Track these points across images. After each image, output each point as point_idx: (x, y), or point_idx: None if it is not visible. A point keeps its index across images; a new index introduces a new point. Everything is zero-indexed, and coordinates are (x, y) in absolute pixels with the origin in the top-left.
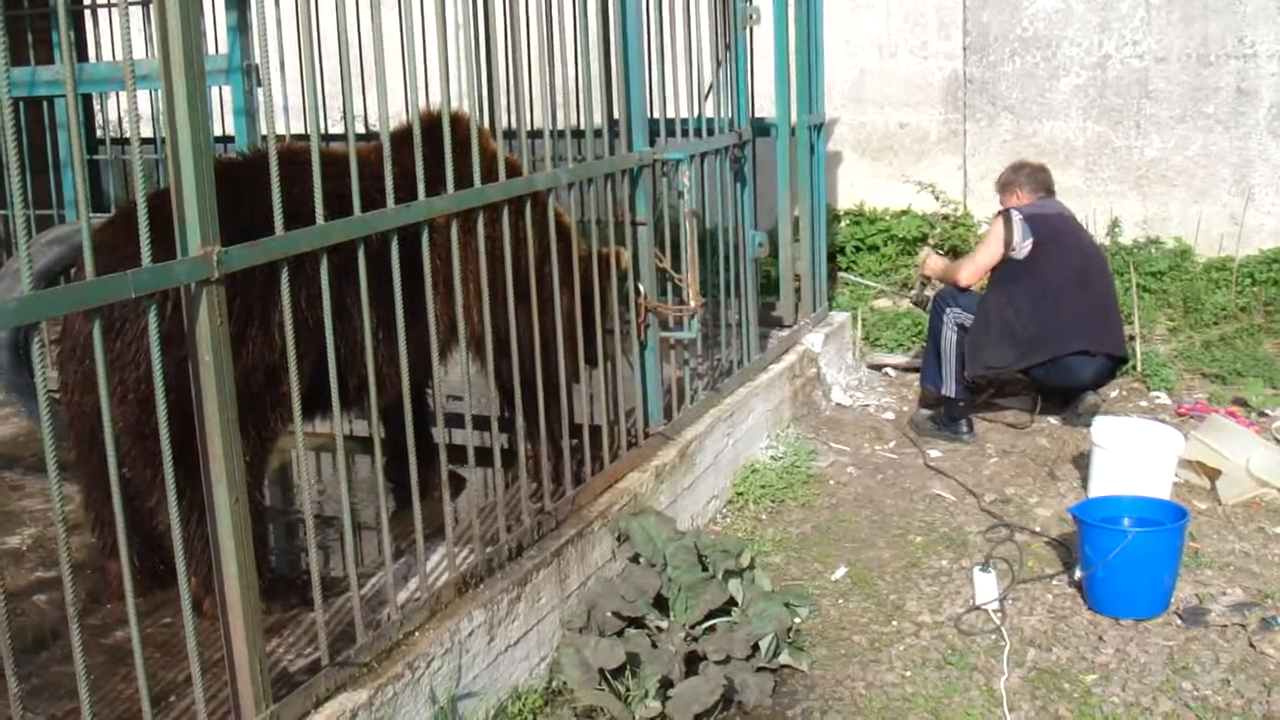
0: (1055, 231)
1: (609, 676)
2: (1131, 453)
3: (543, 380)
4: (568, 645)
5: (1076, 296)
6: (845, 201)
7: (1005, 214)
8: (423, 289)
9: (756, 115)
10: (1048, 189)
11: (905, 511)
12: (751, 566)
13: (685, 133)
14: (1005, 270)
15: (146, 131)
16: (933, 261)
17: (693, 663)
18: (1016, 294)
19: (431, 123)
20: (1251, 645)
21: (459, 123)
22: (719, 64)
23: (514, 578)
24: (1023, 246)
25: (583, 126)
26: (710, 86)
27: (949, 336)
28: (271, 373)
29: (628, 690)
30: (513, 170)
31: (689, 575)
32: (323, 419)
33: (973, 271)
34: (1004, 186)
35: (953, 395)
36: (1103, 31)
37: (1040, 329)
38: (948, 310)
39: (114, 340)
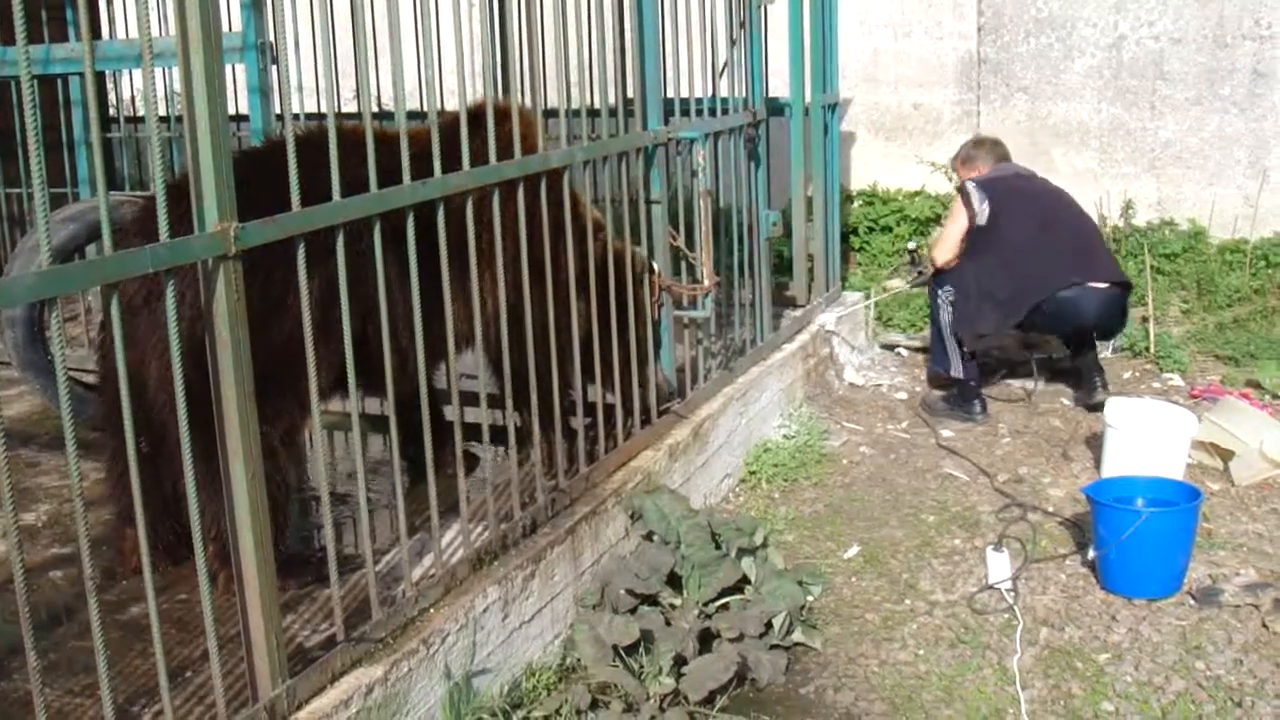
0: (1010, 189)
1: (623, 653)
2: (1145, 433)
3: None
4: (582, 622)
5: (1041, 241)
6: (859, 182)
7: (961, 187)
8: (437, 270)
9: (771, 95)
10: (1005, 158)
11: (918, 491)
12: (764, 545)
13: (700, 112)
14: (974, 240)
15: (160, 110)
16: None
17: (706, 640)
18: (986, 258)
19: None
20: (1264, 625)
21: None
22: (734, 43)
23: (528, 555)
24: (983, 211)
25: (597, 105)
26: (725, 65)
27: (945, 318)
28: (287, 354)
29: (641, 667)
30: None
31: (702, 553)
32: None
33: (944, 248)
34: (965, 161)
35: (962, 376)
36: (1118, 12)
37: (1015, 285)
38: (940, 291)
39: (156, 303)
